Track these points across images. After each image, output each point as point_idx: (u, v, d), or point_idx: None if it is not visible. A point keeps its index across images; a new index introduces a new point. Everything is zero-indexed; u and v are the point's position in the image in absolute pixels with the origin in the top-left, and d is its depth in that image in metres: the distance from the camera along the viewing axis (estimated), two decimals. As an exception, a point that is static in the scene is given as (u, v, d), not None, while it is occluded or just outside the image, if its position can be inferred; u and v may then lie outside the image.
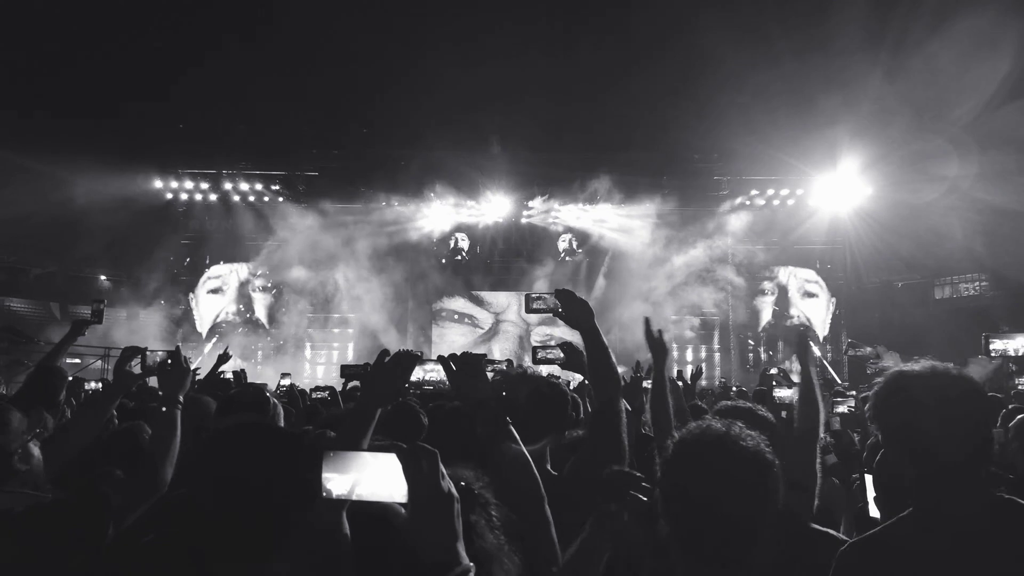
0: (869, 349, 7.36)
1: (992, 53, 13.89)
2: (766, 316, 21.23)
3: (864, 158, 17.76)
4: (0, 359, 14.28)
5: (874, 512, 2.81)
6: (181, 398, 2.69)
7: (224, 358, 6.01)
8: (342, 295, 19.84)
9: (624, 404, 2.77)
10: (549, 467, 2.52)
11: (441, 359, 2.35)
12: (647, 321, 3.49)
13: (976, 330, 7.84)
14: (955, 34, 13.87)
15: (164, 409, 2.63)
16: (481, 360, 2.39)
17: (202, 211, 20.17)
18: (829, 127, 16.82)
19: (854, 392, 6.74)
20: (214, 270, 20.80)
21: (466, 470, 1.88)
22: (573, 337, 3.66)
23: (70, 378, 6.72)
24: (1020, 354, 6.18)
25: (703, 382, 19.20)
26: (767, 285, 21.17)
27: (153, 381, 3.15)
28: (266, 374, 16.02)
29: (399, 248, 20.04)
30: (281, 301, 20.64)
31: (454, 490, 1.42)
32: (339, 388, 7.05)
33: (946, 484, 1.80)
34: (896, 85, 15.74)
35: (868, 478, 2.91)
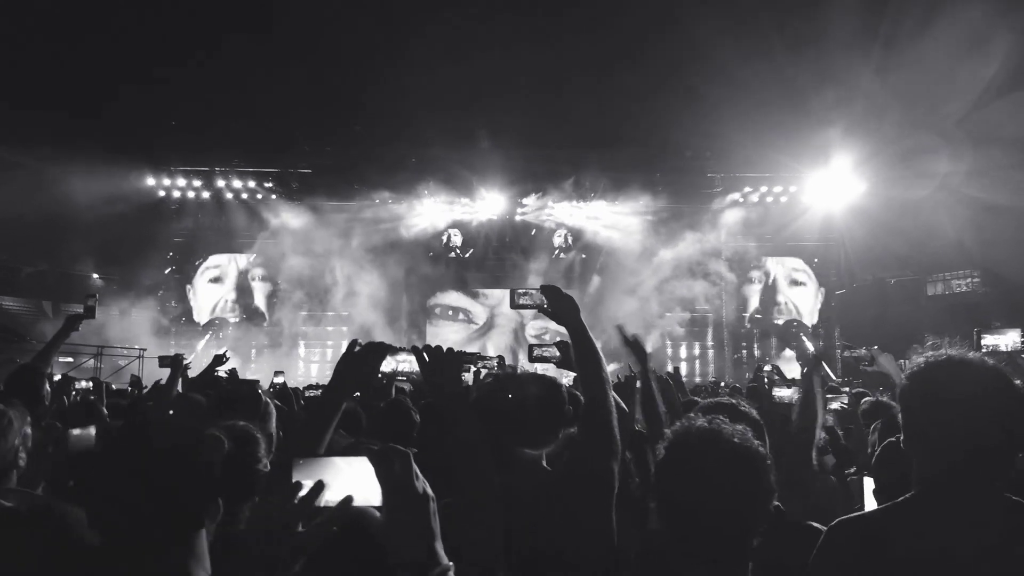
0: (863, 351, 7.36)
1: (982, 49, 13.94)
2: (753, 304, 21.35)
3: (857, 155, 17.81)
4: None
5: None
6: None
7: (220, 360, 6.01)
8: (336, 292, 19.82)
9: (618, 401, 2.77)
10: (544, 463, 2.51)
11: (415, 349, 2.35)
12: (620, 328, 3.49)
13: (969, 326, 7.88)
14: (946, 31, 13.91)
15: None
16: (455, 354, 2.39)
17: (195, 208, 20.12)
18: (822, 124, 16.86)
19: (847, 389, 6.76)
20: (213, 259, 20.80)
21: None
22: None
23: (58, 376, 6.70)
24: (1011, 350, 6.21)
25: (697, 379, 19.35)
26: (754, 274, 21.28)
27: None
28: (259, 371, 15.99)
29: (393, 245, 20.03)
30: (275, 298, 20.63)
31: (429, 489, 1.41)
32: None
33: (960, 476, 1.78)
34: (888, 82, 15.79)
35: (867, 481, 2.91)
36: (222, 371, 6.50)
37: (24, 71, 15.20)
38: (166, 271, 20.36)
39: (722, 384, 10.49)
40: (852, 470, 4.34)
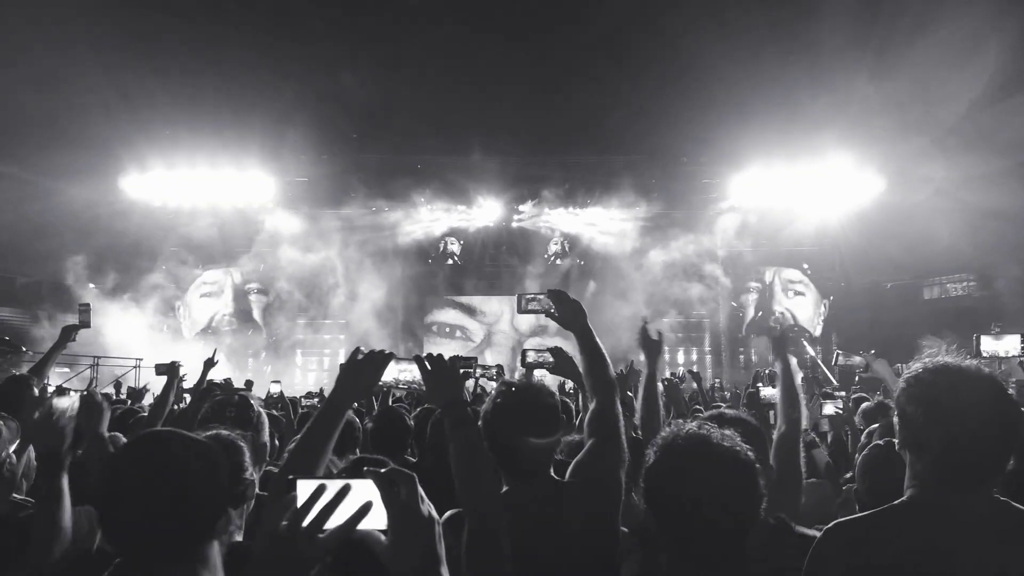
0: (858, 359, 7.36)
1: (976, 56, 14.00)
2: (750, 313, 21.39)
3: (852, 160, 17.85)
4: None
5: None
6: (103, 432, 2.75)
7: (210, 364, 5.98)
8: (333, 300, 19.80)
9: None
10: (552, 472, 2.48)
11: (416, 359, 2.35)
12: (645, 322, 3.48)
13: (965, 330, 7.88)
14: (941, 37, 13.98)
15: (92, 446, 2.69)
16: (456, 362, 2.38)
17: (190, 217, 20.07)
18: (817, 130, 16.90)
19: (843, 393, 6.76)
20: (208, 275, 20.75)
21: None
22: (565, 345, 3.66)
23: (52, 386, 6.68)
24: (1010, 355, 6.20)
25: (694, 385, 19.35)
26: (752, 284, 21.32)
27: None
28: (256, 380, 15.95)
29: (390, 253, 20.03)
30: (271, 307, 20.60)
31: (434, 513, 1.39)
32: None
33: (956, 482, 1.79)
34: (883, 88, 15.85)
35: None
36: (217, 378, 6.48)
37: (17, 81, 15.18)
38: (162, 280, 20.30)
39: (716, 384, 10.47)
40: (848, 475, 4.33)
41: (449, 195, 19.85)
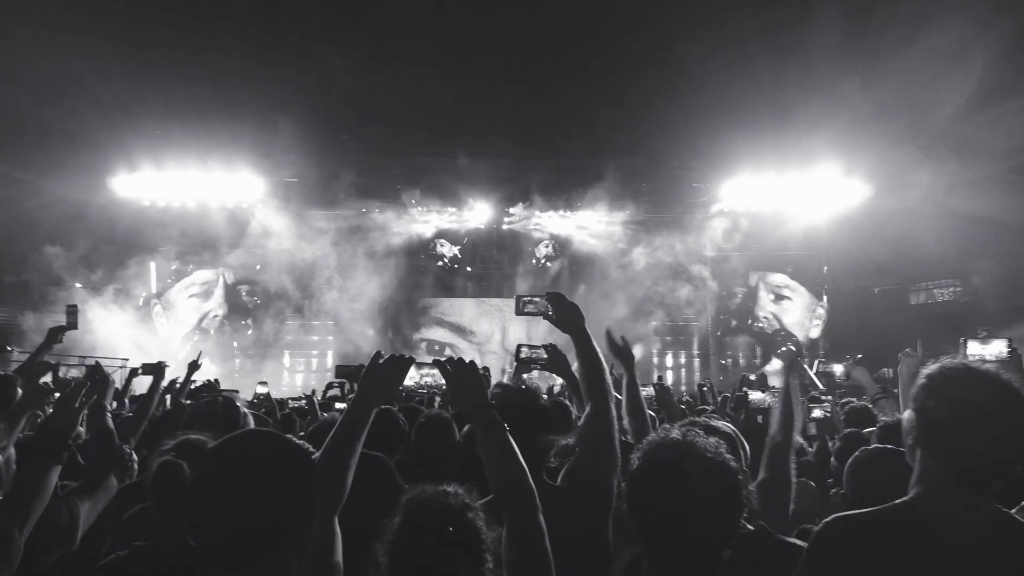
0: (838, 367, 7.44)
1: (964, 63, 14.12)
2: (737, 319, 21.47)
3: (841, 166, 17.95)
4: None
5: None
6: (108, 403, 2.90)
7: (194, 367, 5.95)
8: (321, 302, 19.74)
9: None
10: (545, 477, 2.47)
11: (437, 363, 2.34)
12: (609, 332, 3.46)
13: (951, 335, 7.92)
14: (929, 44, 14.08)
15: (93, 415, 2.79)
16: (476, 365, 2.39)
17: (179, 217, 19.94)
18: (807, 135, 16.99)
19: (830, 397, 6.80)
20: (197, 275, 20.63)
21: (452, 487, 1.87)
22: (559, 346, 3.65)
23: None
24: (996, 359, 6.24)
25: (683, 387, 19.42)
26: (738, 290, 21.42)
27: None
28: (243, 381, 15.88)
29: (380, 254, 19.97)
30: (259, 308, 20.51)
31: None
32: (319, 396, 6.99)
33: (968, 485, 1.80)
34: (872, 94, 15.95)
35: None
36: (201, 379, 6.45)
37: (4, 77, 15.06)
38: (150, 280, 20.18)
39: (704, 388, 10.41)
40: (831, 480, 4.35)
41: (439, 197, 19.84)
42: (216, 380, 8.59)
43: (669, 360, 21.24)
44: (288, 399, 9.12)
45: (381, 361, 2.16)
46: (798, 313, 21.38)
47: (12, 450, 2.83)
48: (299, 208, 19.66)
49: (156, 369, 4.87)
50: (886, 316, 18.91)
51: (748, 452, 3.03)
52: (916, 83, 15.05)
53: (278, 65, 17.29)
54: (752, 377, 9.45)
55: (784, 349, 20.64)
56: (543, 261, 21.05)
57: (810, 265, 21.47)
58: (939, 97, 14.90)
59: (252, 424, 3.22)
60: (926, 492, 1.84)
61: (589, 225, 20.59)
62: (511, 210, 20.45)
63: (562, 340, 3.07)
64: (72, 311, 5.25)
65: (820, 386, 9.13)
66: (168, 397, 5.86)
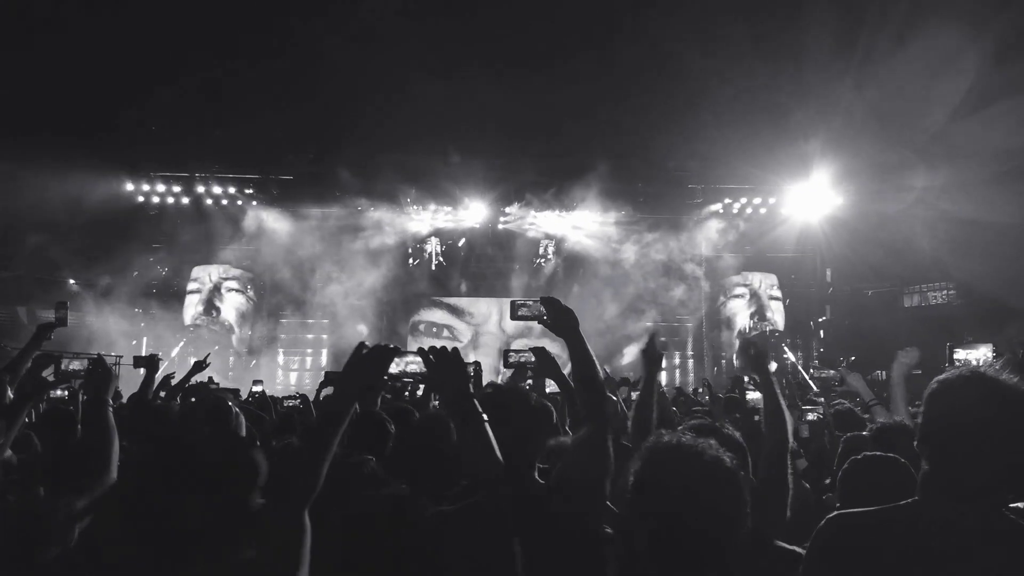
0: (833, 372, 7.44)
1: (957, 66, 14.18)
2: (740, 321, 21.45)
3: (835, 168, 18.01)
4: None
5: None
6: (109, 398, 2.90)
7: (200, 366, 5.94)
8: (316, 300, 19.70)
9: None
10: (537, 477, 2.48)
11: (421, 351, 2.36)
12: (652, 333, 3.51)
13: (944, 338, 7.95)
14: (922, 48, 14.14)
15: (94, 409, 2.80)
16: (459, 353, 2.39)
17: (174, 214, 19.88)
18: (801, 138, 17.06)
19: (823, 399, 6.81)
20: (191, 272, 20.55)
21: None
22: (550, 347, 3.65)
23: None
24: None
25: (675, 387, 19.41)
26: (739, 290, 21.43)
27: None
28: (238, 380, 15.84)
29: (375, 253, 19.93)
30: (254, 306, 20.47)
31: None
32: (312, 396, 6.99)
33: (974, 491, 1.79)
34: (866, 97, 16.01)
35: None
36: (200, 379, 6.44)
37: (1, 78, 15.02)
38: (144, 277, 20.09)
39: (700, 390, 10.42)
40: (827, 482, 4.37)
41: (434, 196, 19.82)
42: (213, 380, 8.57)
43: (663, 361, 21.23)
44: (283, 397, 9.11)
45: (363, 353, 2.15)
46: (789, 314, 21.43)
47: (10, 451, 2.83)
48: (293, 206, 19.63)
49: (149, 362, 4.84)
50: (879, 318, 18.96)
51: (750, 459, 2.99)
52: (909, 86, 15.13)
53: (272, 62, 17.28)
54: (747, 378, 9.42)
55: (775, 355, 20.62)
56: (539, 261, 21.05)
57: (804, 267, 21.51)
58: (932, 100, 14.97)
59: (243, 423, 3.22)
60: (925, 496, 1.86)
61: (585, 225, 20.60)
62: (507, 209, 20.44)
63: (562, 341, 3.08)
64: (62, 307, 5.19)
65: (813, 387, 9.16)
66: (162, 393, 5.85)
